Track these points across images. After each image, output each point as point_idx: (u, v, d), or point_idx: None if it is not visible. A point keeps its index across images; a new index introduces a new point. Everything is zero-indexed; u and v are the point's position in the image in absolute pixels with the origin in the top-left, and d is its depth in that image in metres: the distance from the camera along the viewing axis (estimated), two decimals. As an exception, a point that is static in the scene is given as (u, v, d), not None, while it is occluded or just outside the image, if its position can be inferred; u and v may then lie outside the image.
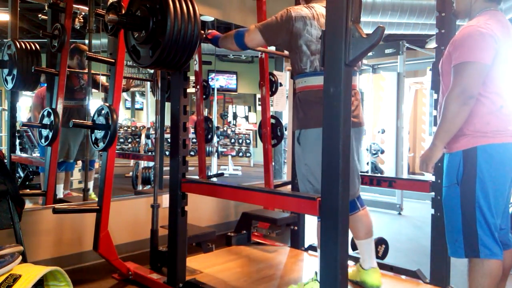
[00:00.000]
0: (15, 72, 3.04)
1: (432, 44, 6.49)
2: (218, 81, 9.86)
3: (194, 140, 5.72)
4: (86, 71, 3.59)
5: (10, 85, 3.11)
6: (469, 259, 1.73)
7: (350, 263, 2.52)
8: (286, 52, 4.00)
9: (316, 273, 2.06)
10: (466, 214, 1.70)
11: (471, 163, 1.69)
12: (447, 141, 1.74)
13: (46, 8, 3.47)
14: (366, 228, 2.12)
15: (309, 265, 2.66)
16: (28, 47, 3.04)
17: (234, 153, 8.09)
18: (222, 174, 5.07)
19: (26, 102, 6.23)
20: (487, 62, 1.64)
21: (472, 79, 1.64)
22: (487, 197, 1.67)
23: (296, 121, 2.02)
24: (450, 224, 1.78)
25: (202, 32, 2.15)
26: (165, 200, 2.78)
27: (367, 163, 6.07)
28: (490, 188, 1.67)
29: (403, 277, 2.37)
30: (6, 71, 3.11)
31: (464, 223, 1.70)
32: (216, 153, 7.07)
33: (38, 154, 4.51)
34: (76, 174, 4.54)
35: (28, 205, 3.24)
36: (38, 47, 3.10)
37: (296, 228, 2.93)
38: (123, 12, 2.14)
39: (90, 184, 3.81)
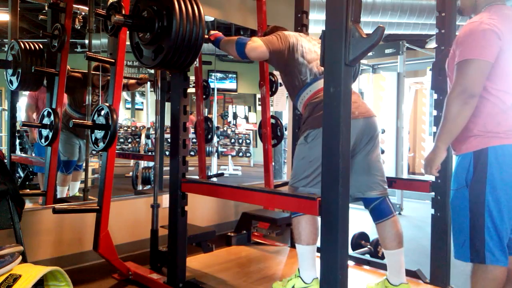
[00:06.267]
0: (19, 72, 3.03)
1: (432, 44, 6.49)
2: (224, 83, 9.90)
3: (194, 140, 5.71)
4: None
5: (15, 85, 3.09)
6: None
7: (351, 263, 2.53)
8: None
9: (298, 269, 1.99)
10: (474, 218, 1.63)
11: (482, 165, 1.61)
12: (449, 142, 1.68)
13: (46, 8, 3.47)
14: (399, 236, 1.99)
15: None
16: (32, 47, 3.04)
17: (234, 153, 8.09)
18: (222, 174, 5.07)
19: (25, 102, 6.22)
20: (489, 59, 1.57)
21: (473, 78, 1.57)
22: (498, 200, 1.59)
23: (306, 125, 1.99)
24: (457, 227, 1.71)
25: (206, 36, 2.15)
26: (165, 200, 2.78)
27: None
28: (501, 191, 1.59)
29: (403, 277, 2.36)
30: (10, 71, 3.10)
31: (471, 227, 1.64)
32: (216, 153, 7.07)
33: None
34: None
35: (28, 205, 3.24)
36: (41, 47, 3.09)
37: (296, 228, 2.93)
38: (123, 12, 2.14)
39: (77, 184, 3.85)
